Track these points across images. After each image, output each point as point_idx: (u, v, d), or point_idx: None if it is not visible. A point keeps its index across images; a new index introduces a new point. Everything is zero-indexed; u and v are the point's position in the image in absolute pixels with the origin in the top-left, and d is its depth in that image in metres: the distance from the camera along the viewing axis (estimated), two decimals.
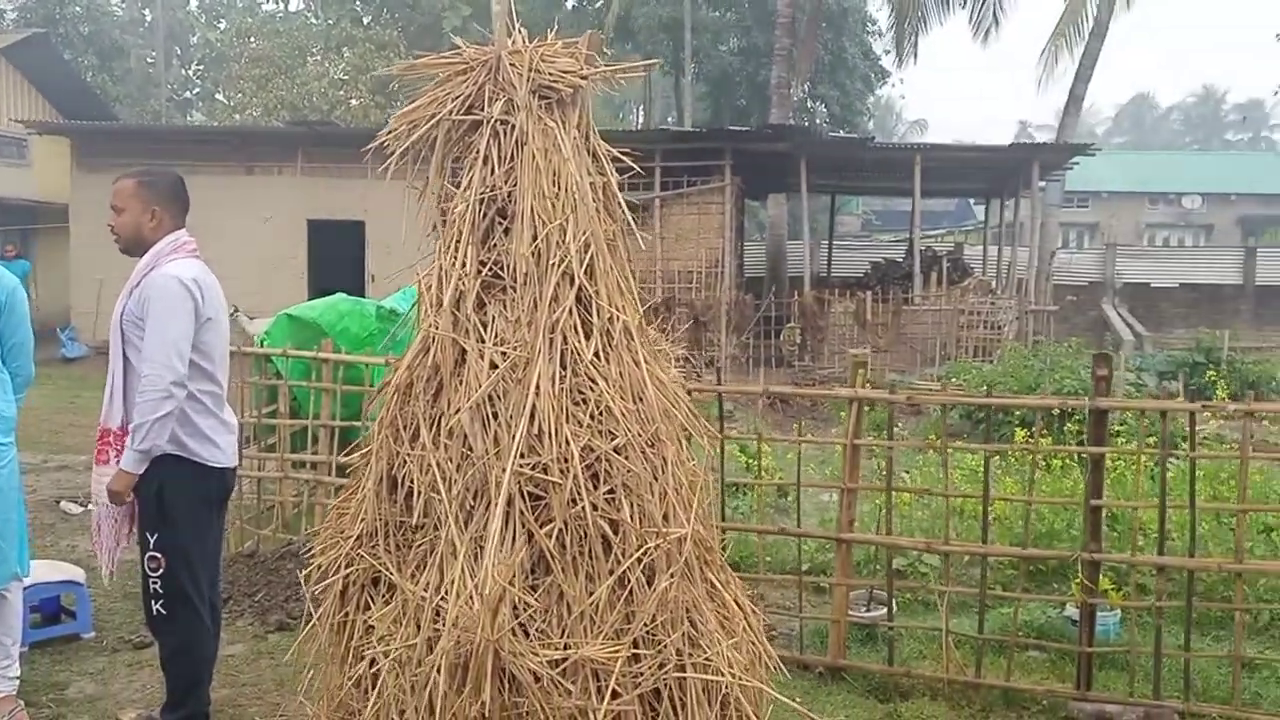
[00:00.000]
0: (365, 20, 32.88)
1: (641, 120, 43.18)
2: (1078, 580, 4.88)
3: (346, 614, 3.17)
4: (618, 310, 3.11)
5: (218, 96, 38.44)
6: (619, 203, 3.23)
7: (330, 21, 33.12)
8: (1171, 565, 4.79)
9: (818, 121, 31.49)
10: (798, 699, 4.92)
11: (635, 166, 3.24)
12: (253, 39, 32.31)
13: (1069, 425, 8.04)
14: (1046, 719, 4.73)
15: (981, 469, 7.75)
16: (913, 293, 19.94)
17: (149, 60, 40.25)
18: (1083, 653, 4.80)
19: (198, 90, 43.58)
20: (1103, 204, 49.87)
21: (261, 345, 7.26)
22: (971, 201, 39.59)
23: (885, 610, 5.34)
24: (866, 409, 5.45)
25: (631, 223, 3.20)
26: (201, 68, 42.74)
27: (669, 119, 37.70)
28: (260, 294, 16.66)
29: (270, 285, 18.24)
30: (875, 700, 4.95)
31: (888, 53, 32.69)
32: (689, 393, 5.32)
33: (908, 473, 8.20)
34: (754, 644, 3.21)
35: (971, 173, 23.62)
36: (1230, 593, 5.69)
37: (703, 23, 31.72)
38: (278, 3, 43.19)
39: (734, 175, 19.99)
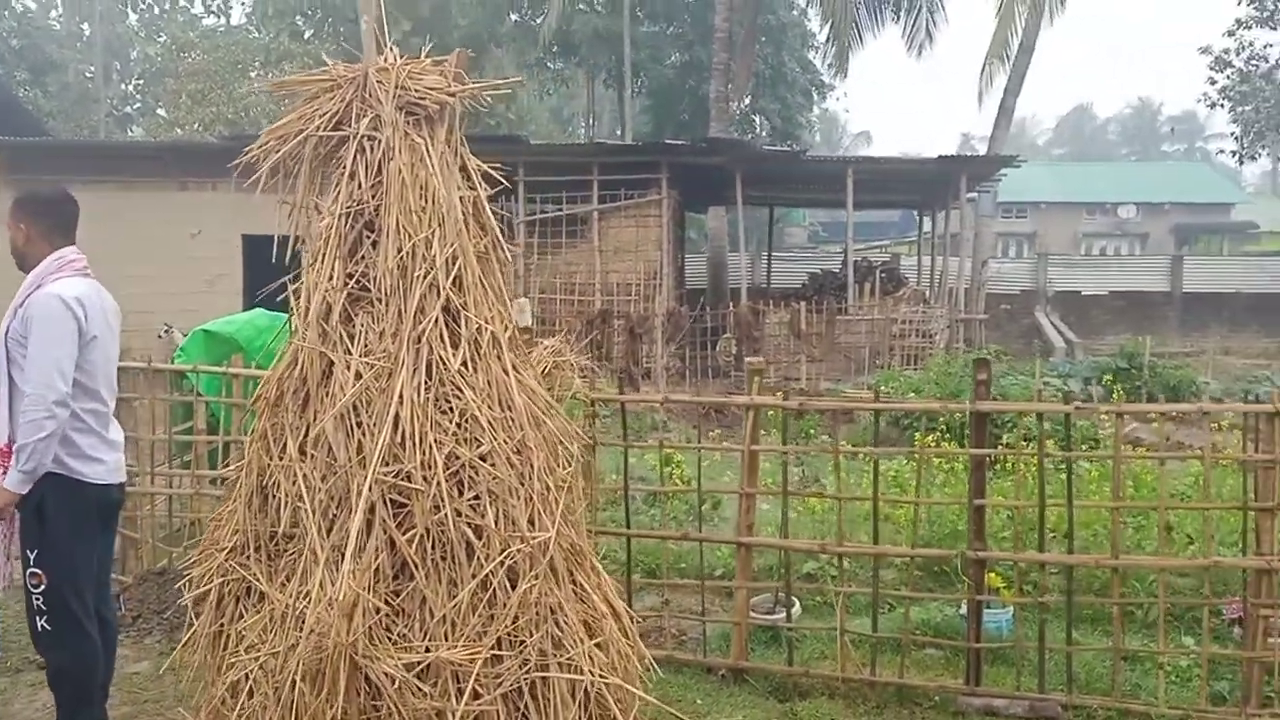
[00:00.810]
0: (306, 35, 32.69)
1: (591, 133, 43.35)
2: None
3: (221, 625, 3.21)
4: (486, 321, 3.20)
5: (159, 112, 37.95)
6: (489, 215, 3.31)
7: (270, 35, 32.87)
8: (1051, 562, 4.96)
9: (759, 134, 31.88)
10: (699, 699, 5.03)
11: (505, 181, 3.33)
12: (191, 53, 31.97)
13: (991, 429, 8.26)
14: (938, 714, 4.87)
15: (899, 473, 7.99)
16: (847, 303, 20.24)
17: (88, 75, 39.63)
18: (972, 649, 4.96)
19: (138, 105, 42.98)
20: (1041, 214, 50.94)
21: (174, 362, 7.22)
22: (915, 213, 40.29)
23: (786, 612, 5.45)
24: (794, 418, 5.59)
25: (499, 236, 3.28)
26: (141, 82, 42.16)
27: (616, 132, 37.90)
28: (197, 310, 16.44)
29: (206, 301, 18.00)
30: (775, 700, 5.06)
31: (830, 66, 33.24)
32: (591, 402, 5.44)
33: (823, 479, 8.35)
34: (626, 644, 3.30)
35: (903, 185, 24.07)
36: (1125, 589, 5.91)
37: (642, 37, 31.99)
38: (218, 17, 42.80)
39: (671, 188, 20.18)
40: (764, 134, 32.09)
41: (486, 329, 3.17)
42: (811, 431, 11.35)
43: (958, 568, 6.26)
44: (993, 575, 5.59)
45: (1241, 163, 32.92)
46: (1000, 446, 7.75)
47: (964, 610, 5.63)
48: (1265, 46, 28.15)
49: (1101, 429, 9.39)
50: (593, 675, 2.95)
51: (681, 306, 19.92)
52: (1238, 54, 28.28)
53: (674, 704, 4.94)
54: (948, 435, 9.13)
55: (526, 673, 2.90)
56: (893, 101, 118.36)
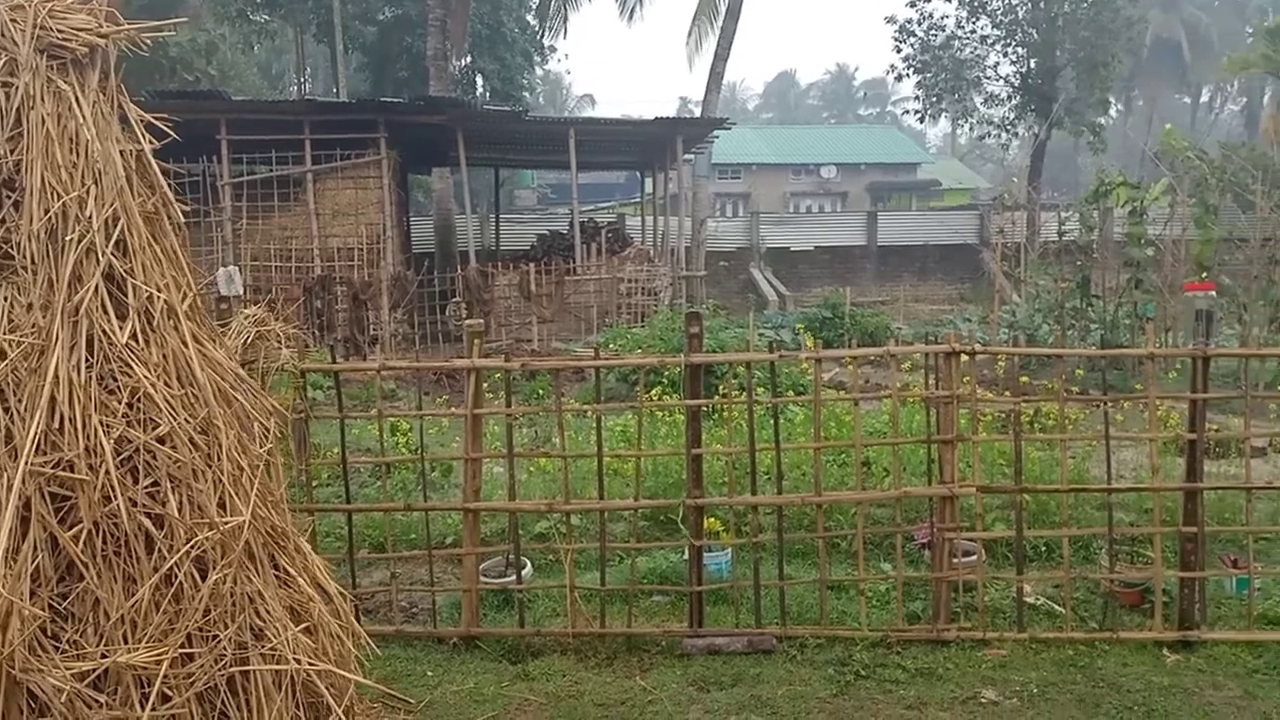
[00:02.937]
0: None
1: (304, 91, 40.97)
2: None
3: None
4: (159, 289, 2.89)
5: None
6: (156, 172, 2.99)
7: None
8: (763, 503, 5.22)
9: (481, 94, 31.37)
10: (429, 672, 4.91)
11: (173, 134, 3.01)
12: None
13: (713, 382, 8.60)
14: (665, 658, 5.01)
15: (627, 428, 8.15)
16: (575, 264, 20.44)
17: None
18: (694, 592, 5.14)
19: None
20: (753, 175, 53.70)
21: None
22: (639, 174, 41.28)
23: (517, 575, 5.43)
24: (525, 379, 5.50)
25: (168, 194, 2.97)
26: None
27: (332, 90, 36.04)
28: None
29: None
30: (508, 663, 5.02)
31: (554, 27, 33.19)
32: (302, 374, 5.13)
33: (555, 439, 8.38)
34: (339, 626, 3.13)
35: (624, 146, 24.53)
36: (830, 523, 6.34)
37: None
38: None
39: (391, 148, 19.47)
40: (485, 94, 31.63)
41: (159, 298, 2.86)
42: (542, 392, 11.39)
43: (681, 516, 6.49)
44: (712, 520, 5.83)
45: (924, 125, 36.16)
46: (716, 396, 8.08)
47: (687, 556, 5.85)
48: (942, 17, 30.93)
49: (808, 375, 10.02)
50: (299, 663, 2.77)
51: (408, 271, 19.37)
52: (919, 24, 30.85)
53: (403, 679, 4.81)
54: (671, 388, 9.42)
55: (223, 668, 2.68)
56: (617, 66, 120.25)
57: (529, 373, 10.69)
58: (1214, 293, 12.05)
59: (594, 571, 5.62)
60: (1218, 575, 5.48)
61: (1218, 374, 10.59)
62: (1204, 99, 64.87)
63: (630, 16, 27.84)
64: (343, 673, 2.92)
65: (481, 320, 6.10)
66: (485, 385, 5.57)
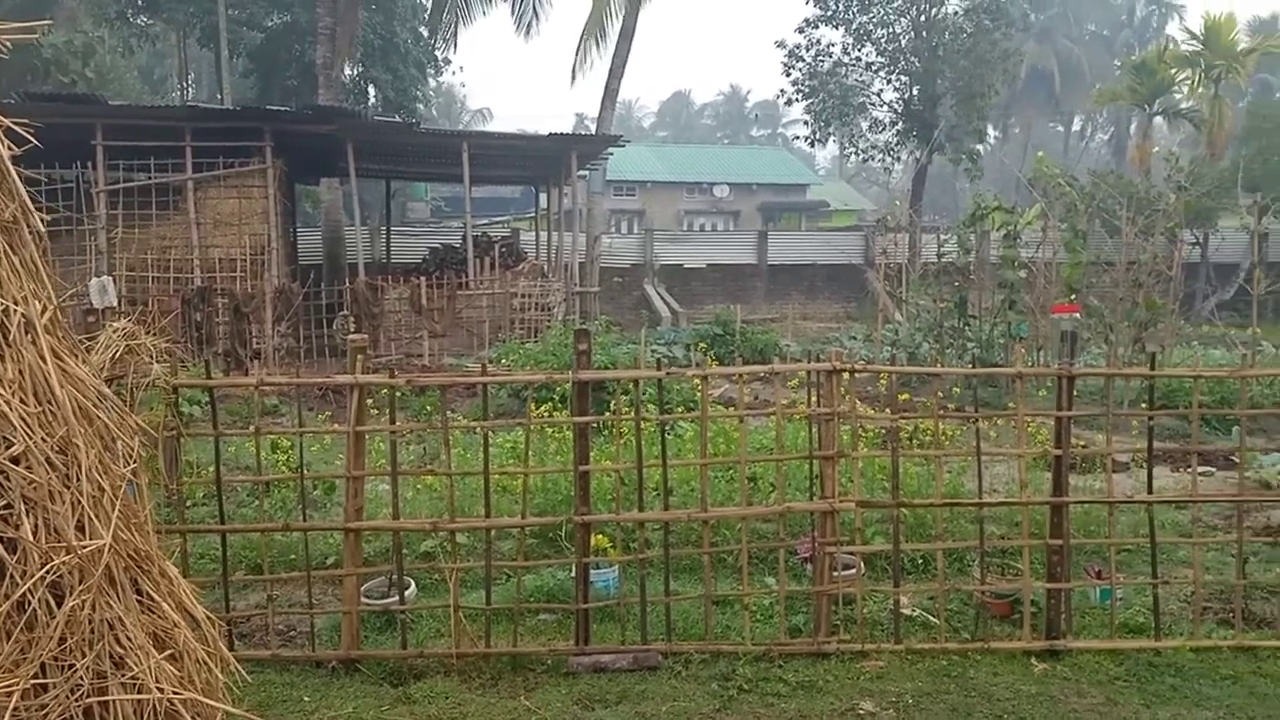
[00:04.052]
0: None
1: (186, 97, 39.64)
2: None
3: None
4: (15, 301, 2.76)
5: None
6: (14, 177, 2.85)
7: None
8: (650, 520, 5.25)
9: (373, 105, 30.88)
10: (306, 697, 4.77)
11: (34, 140, 2.88)
12: None
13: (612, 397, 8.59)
14: (551, 677, 4.97)
15: (518, 444, 8.09)
16: (468, 278, 20.25)
17: None
18: (580, 610, 5.13)
19: None
20: (648, 193, 54.14)
21: None
22: (535, 189, 41.23)
23: (399, 595, 5.33)
24: (414, 395, 5.40)
25: (27, 203, 2.84)
26: None
27: (216, 97, 34.96)
28: None
29: None
30: (389, 686, 4.92)
31: (446, 40, 32.89)
32: (174, 389, 4.95)
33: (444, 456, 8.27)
34: (206, 652, 3.02)
35: (519, 160, 24.45)
36: (716, 538, 6.41)
37: None
38: None
39: (276, 157, 18.97)
40: (378, 105, 31.14)
41: (16, 311, 2.73)
42: (431, 408, 11.22)
43: (568, 533, 6.47)
44: (600, 537, 5.83)
45: (814, 147, 37.02)
46: (607, 412, 8.11)
47: (574, 573, 5.83)
48: (829, 44, 31.78)
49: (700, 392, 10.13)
50: (161, 692, 2.67)
51: (294, 283, 18.87)
52: (807, 50, 31.64)
53: (278, 705, 4.66)
54: (562, 404, 9.41)
55: (80, 699, 2.56)
56: (514, 81, 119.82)
57: (418, 389, 10.56)
58: (1079, 314, 12.64)
59: (480, 590, 5.56)
60: (1083, 586, 5.73)
61: (1086, 391, 11.15)
62: (1076, 128, 68.26)
63: (527, 32, 27.86)
64: (209, 701, 2.81)
65: (365, 335, 5.98)
66: (371, 401, 5.47)
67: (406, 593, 5.51)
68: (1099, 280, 14.49)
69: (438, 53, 33.26)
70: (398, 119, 22.88)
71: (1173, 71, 34.72)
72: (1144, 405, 5.79)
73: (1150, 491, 5.44)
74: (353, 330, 18.31)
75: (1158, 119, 37.44)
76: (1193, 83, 35.16)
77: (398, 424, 5.34)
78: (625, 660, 5.02)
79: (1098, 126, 68.76)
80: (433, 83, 43.17)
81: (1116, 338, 13.32)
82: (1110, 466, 5.62)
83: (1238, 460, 5.89)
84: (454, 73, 38.82)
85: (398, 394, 5.42)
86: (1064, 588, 5.20)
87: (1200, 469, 8.39)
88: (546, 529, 6.55)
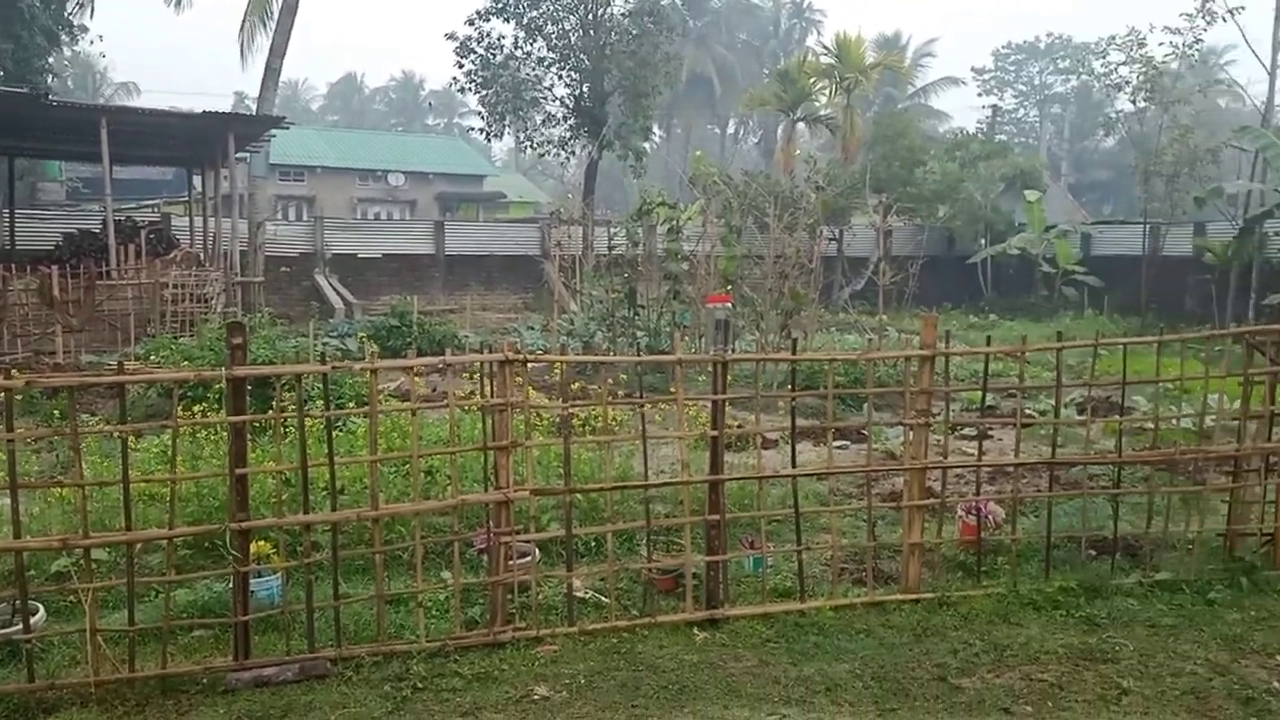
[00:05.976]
0: None
1: None
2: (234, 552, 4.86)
3: None
4: None
5: None
6: None
7: None
8: (316, 522, 5.01)
9: None
10: None
11: None
12: None
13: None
14: (207, 698, 4.62)
15: (168, 449, 7.41)
16: (109, 266, 18.32)
17: None
18: (239, 622, 4.80)
19: None
20: (318, 179, 51.78)
21: None
22: (189, 171, 38.07)
23: (24, 623, 4.72)
24: (47, 397, 4.74)
25: None
26: None
27: None
28: None
29: None
30: None
31: (82, 6, 29.47)
32: None
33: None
34: None
35: (169, 140, 22.49)
36: (391, 535, 6.24)
37: None
38: None
39: None
40: None
41: None
42: (61, 413, 10.05)
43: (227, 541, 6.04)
44: (263, 543, 5.49)
45: (489, 139, 36.97)
46: (271, 410, 7.66)
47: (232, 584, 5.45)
48: (500, 37, 31.78)
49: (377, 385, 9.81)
50: None
51: None
52: (479, 42, 31.47)
53: None
54: (219, 404, 8.76)
55: None
56: (167, 56, 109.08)
57: (49, 391, 9.40)
58: (731, 304, 13.58)
59: (121, 610, 5.05)
60: (738, 556, 6.15)
61: (741, 375, 11.98)
62: (731, 130, 73.25)
63: (178, 4, 25.51)
64: None
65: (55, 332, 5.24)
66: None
67: (34, 619, 4.90)
68: (751, 272, 15.63)
69: (72, 19, 29.70)
70: (22, 89, 20.22)
71: (812, 81, 38.21)
72: (788, 387, 6.30)
73: (794, 466, 5.93)
74: None
75: (800, 124, 40.97)
76: (830, 92, 38.85)
77: (17, 431, 4.71)
78: (291, 671, 4.76)
79: (750, 130, 74.18)
80: (67, 51, 38.59)
81: (766, 325, 14.44)
82: (760, 444, 6.07)
83: (867, 434, 6.56)
84: (91, 42, 34.66)
85: (25, 397, 4.79)
86: (721, 560, 5.56)
87: (836, 443, 9.30)
88: (203, 539, 6.07)
